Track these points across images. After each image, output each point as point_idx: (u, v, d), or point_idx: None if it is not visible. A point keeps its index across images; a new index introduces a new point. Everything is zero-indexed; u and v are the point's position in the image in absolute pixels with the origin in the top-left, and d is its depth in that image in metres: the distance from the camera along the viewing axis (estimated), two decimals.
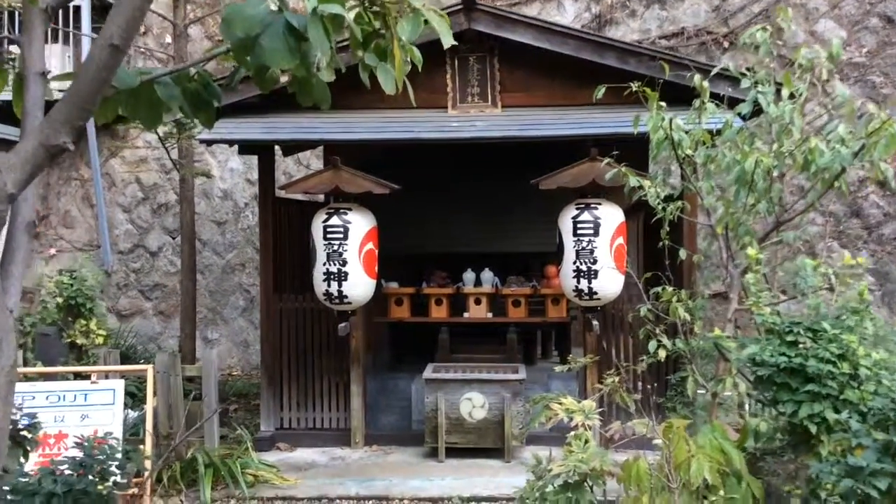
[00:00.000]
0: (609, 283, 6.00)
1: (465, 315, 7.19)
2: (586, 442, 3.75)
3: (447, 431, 6.29)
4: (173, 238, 10.53)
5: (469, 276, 7.29)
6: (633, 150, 5.54)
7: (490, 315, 7.17)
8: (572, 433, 3.77)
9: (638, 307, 4.22)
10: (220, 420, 7.34)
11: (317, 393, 6.89)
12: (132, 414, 6.57)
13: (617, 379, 3.97)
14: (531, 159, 6.60)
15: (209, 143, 6.49)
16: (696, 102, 4.34)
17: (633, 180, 4.30)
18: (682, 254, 4.42)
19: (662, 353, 3.99)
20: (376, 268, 6.27)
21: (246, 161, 10.39)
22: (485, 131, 6.31)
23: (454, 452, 6.32)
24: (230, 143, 6.45)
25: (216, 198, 10.88)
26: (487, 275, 7.28)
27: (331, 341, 6.80)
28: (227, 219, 10.86)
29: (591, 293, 6.01)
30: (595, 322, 6.23)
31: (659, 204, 4.20)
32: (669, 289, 4.02)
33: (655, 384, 4.98)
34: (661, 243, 4.35)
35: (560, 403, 3.83)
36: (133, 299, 10.95)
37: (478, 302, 7.15)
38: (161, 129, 8.66)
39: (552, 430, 4.86)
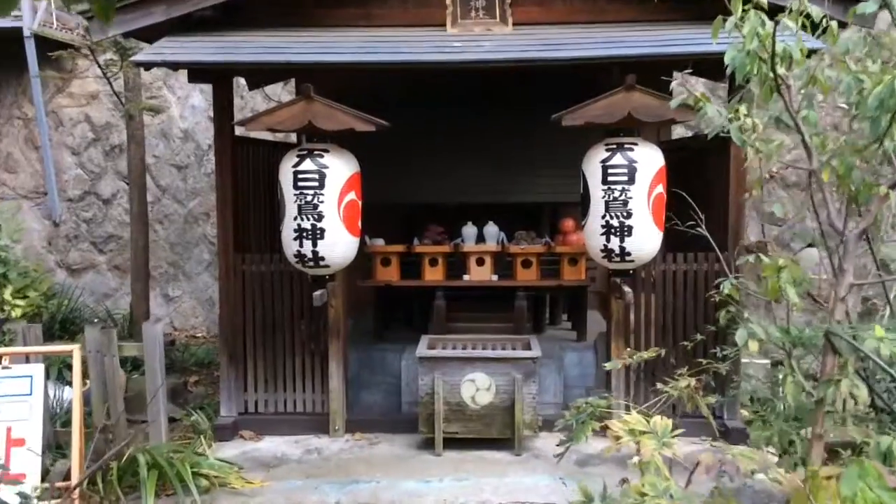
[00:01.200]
0: (645, 241, 4.92)
1: (465, 278, 6.04)
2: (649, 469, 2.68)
3: (446, 419, 5.22)
4: (128, 184, 9.27)
5: (470, 231, 6.15)
6: (661, 80, 4.49)
7: (495, 278, 6.02)
8: (636, 459, 2.69)
9: (718, 281, 3.11)
10: (176, 397, 6.28)
11: (288, 371, 5.75)
12: (70, 394, 5.50)
13: (694, 382, 2.88)
14: (545, 91, 5.48)
15: (147, 65, 5.20)
16: (793, 3, 3.18)
17: (710, 109, 3.16)
18: (778, 209, 3.30)
19: (755, 346, 2.91)
20: (359, 223, 5.11)
21: (210, 98, 9.11)
22: (493, 53, 5.09)
23: (454, 443, 5.27)
24: (174, 65, 5.16)
25: (176, 139, 9.63)
26: (492, 229, 6.14)
27: (305, 310, 5.65)
28: (189, 162, 9.64)
29: (624, 254, 4.92)
30: (627, 289, 5.14)
31: (751, 138, 3.05)
32: (767, 258, 2.90)
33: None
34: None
35: (620, 418, 2.73)
36: (84, 252, 9.76)
37: (480, 262, 6.01)
38: (101, 58, 7.41)
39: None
